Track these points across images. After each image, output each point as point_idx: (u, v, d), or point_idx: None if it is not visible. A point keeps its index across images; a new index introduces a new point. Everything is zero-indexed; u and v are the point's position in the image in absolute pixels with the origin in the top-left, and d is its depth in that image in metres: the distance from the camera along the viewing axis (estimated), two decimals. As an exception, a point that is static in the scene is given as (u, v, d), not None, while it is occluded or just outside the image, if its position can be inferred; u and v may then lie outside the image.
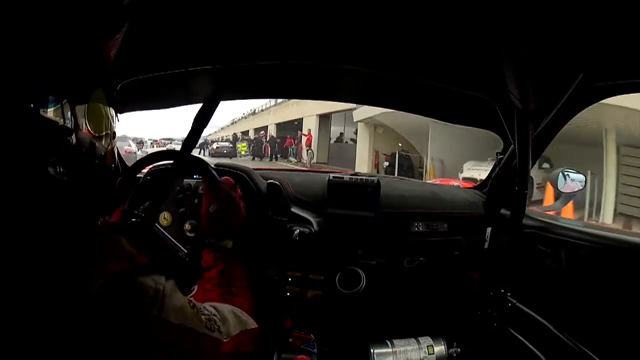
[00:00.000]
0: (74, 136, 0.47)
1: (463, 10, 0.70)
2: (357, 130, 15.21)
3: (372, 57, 1.02)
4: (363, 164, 12.59)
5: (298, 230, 1.13)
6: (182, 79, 1.13)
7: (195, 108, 0.73)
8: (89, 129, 0.50)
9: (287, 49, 1.00)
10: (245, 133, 26.38)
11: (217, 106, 0.72)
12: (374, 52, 0.99)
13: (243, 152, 18.61)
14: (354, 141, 15.64)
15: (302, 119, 17.66)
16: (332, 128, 17.13)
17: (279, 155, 18.01)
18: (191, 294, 0.76)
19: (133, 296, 0.44)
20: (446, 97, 1.17)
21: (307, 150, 15.66)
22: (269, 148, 18.36)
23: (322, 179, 1.28)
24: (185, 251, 0.79)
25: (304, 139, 16.57)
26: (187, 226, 1.11)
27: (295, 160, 16.67)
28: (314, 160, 15.46)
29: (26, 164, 0.44)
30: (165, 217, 1.13)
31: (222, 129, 35.67)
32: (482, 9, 0.63)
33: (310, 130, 16.42)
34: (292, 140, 18.07)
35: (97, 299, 0.41)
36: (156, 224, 0.78)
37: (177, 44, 0.96)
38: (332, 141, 17.10)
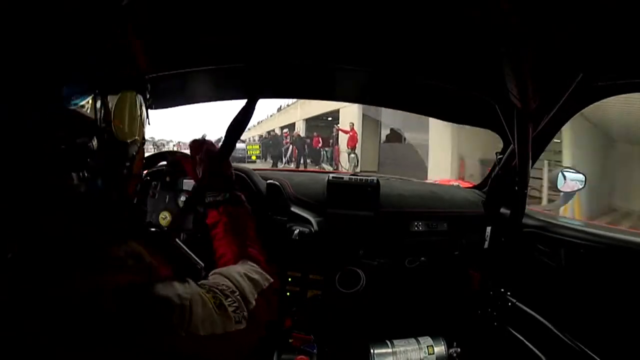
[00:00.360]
0: (94, 141, 0.45)
1: (463, 9, 0.70)
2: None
3: (372, 57, 1.02)
4: (442, 176, 7.05)
5: (298, 230, 1.13)
6: (183, 78, 1.13)
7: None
8: (116, 134, 0.47)
9: (287, 48, 1.00)
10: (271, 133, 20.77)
11: (254, 110, 0.70)
12: (375, 51, 0.99)
13: (254, 157, 13.06)
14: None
15: (338, 111, 13.09)
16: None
17: (308, 161, 12.93)
18: None
19: (158, 316, 0.42)
20: (446, 96, 1.17)
21: (350, 154, 10.70)
22: (296, 150, 13.01)
23: (322, 179, 1.28)
24: (202, 264, 0.79)
25: (343, 137, 11.62)
26: (181, 197, 1.11)
27: (331, 168, 11.49)
28: (359, 169, 10.45)
29: (28, 165, 0.43)
30: (164, 217, 1.12)
31: (248, 129, 33.08)
32: (482, 8, 0.63)
33: (353, 124, 11.13)
34: (321, 140, 13.02)
35: (110, 309, 0.39)
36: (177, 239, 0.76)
37: (179, 42, 0.95)
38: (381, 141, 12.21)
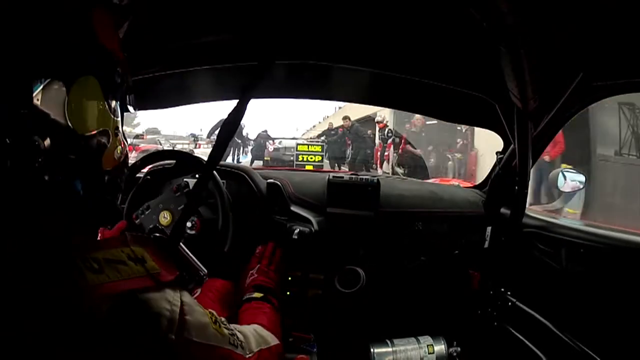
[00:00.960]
0: (42, 134, 0.39)
1: (463, 9, 0.70)
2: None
3: (372, 56, 1.02)
4: None
5: (298, 230, 1.14)
6: (182, 77, 1.13)
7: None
8: (72, 125, 0.41)
9: (288, 48, 1.00)
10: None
11: (247, 107, 0.70)
12: (375, 51, 0.99)
13: (309, 167, 7.34)
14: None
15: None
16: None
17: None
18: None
19: (147, 322, 0.42)
20: (446, 96, 1.17)
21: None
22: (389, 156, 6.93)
23: (322, 179, 1.28)
24: (206, 270, 0.79)
25: (484, 141, 5.71)
26: (187, 224, 1.11)
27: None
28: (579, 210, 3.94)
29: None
30: (164, 216, 1.13)
31: (313, 127, 25.37)
32: (482, 8, 0.63)
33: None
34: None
35: (106, 319, 0.39)
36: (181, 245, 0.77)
37: (179, 42, 0.95)
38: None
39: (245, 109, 0.68)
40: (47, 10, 0.40)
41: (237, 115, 0.65)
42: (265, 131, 9.21)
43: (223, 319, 0.55)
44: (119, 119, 0.49)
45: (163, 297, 0.44)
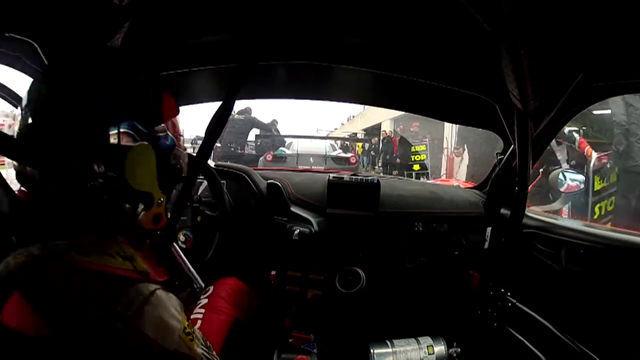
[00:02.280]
0: (101, 165, 0.46)
1: (463, 10, 0.70)
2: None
3: (373, 57, 1.02)
4: None
5: (298, 230, 1.13)
6: (184, 77, 1.13)
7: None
8: (125, 175, 0.48)
9: (288, 48, 1.00)
10: (373, 132, 12.79)
11: (232, 106, 0.71)
12: (375, 52, 0.99)
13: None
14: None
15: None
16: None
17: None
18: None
19: (114, 290, 0.42)
20: (446, 97, 1.17)
21: None
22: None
23: (322, 179, 1.28)
24: (202, 284, 0.78)
25: None
26: (181, 237, 1.10)
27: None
28: None
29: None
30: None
31: (335, 129, 21.66)
32: (483, 9, 0.63)
33: None
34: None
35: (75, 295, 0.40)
36: (175, 245, 0.77)
37: (179, 42, 0.95)
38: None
39: (231, 109, 0.70)
40: (131, 86, 0.50)
41: (223, 114, 0.66)
42: (275, 121, 6.21)
43: (203, 338, 0.52)
44: (166, 195, 0.54)
45: (136, 285, 0.44)
